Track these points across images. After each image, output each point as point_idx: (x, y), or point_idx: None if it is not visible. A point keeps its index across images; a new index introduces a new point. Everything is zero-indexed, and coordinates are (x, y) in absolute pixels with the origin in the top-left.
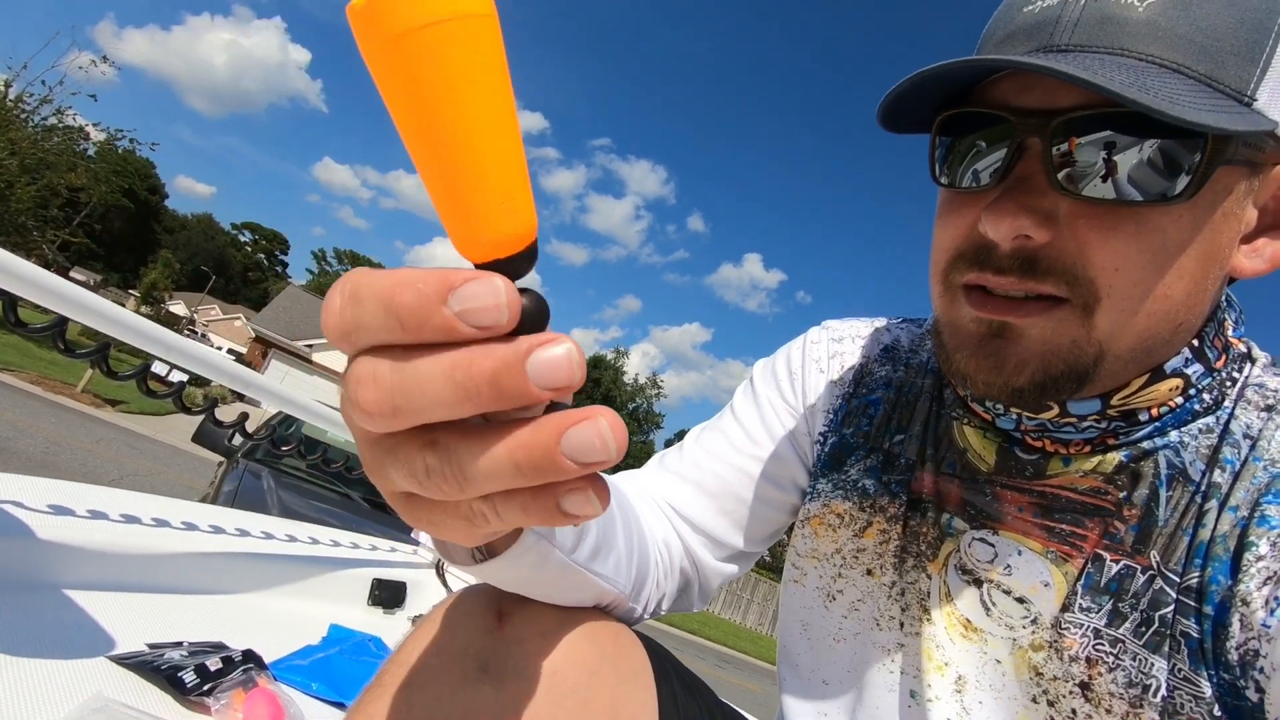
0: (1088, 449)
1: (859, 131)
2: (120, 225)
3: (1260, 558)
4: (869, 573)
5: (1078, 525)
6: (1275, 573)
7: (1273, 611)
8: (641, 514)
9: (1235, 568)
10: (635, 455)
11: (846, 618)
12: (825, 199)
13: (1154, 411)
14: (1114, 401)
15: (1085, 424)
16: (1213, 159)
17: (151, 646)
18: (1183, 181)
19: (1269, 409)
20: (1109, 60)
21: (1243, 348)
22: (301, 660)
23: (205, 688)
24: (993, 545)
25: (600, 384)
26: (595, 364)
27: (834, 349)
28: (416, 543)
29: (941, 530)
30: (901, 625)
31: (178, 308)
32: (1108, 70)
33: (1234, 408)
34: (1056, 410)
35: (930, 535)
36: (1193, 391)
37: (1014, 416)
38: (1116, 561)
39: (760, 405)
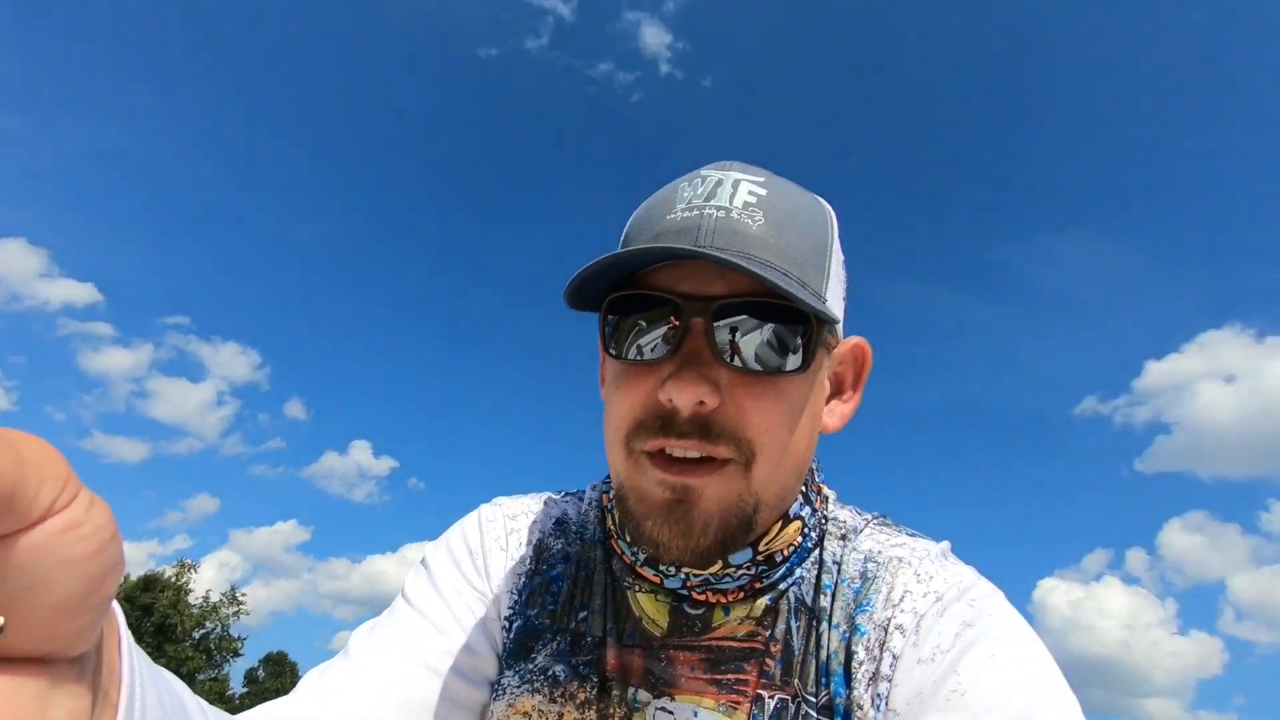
0: (742, 595)
1: (470, 323)
2: None
3: (861, 663)
4: None
5: (739, 671)
6: (873, 672)
7: (879, 708)
8: None
9: (848, 677)
10: (204, 695)
11: None
12: (436, 387)
13: (785, 552)
14: (761, 547)
15: (740, 572)
16: (817, 338)
17: None
18: (801, 356)
19: (843, 537)
20: (744, 260)
21: (826, 489)
22: None
23: None
24: (672, 713)
25: (153, 610)
26: (147, 585)
27: (510, 525)
28: None
29: (629, 707)
30: None
31: None
32: (752, 268)
33: (823, 540)
34: (720, 563)
35: (619, 715)
36: (806, 530)
37: (681, 575)
38: (773, 698)
39: (443, 591)
